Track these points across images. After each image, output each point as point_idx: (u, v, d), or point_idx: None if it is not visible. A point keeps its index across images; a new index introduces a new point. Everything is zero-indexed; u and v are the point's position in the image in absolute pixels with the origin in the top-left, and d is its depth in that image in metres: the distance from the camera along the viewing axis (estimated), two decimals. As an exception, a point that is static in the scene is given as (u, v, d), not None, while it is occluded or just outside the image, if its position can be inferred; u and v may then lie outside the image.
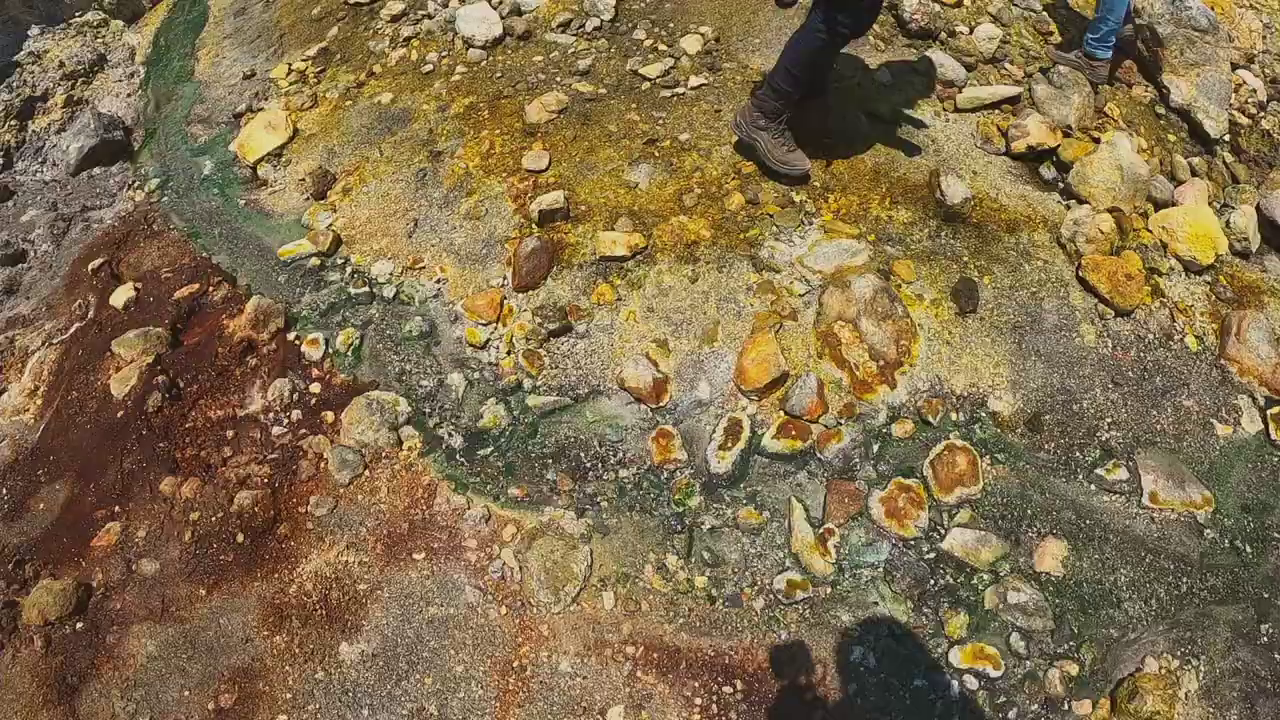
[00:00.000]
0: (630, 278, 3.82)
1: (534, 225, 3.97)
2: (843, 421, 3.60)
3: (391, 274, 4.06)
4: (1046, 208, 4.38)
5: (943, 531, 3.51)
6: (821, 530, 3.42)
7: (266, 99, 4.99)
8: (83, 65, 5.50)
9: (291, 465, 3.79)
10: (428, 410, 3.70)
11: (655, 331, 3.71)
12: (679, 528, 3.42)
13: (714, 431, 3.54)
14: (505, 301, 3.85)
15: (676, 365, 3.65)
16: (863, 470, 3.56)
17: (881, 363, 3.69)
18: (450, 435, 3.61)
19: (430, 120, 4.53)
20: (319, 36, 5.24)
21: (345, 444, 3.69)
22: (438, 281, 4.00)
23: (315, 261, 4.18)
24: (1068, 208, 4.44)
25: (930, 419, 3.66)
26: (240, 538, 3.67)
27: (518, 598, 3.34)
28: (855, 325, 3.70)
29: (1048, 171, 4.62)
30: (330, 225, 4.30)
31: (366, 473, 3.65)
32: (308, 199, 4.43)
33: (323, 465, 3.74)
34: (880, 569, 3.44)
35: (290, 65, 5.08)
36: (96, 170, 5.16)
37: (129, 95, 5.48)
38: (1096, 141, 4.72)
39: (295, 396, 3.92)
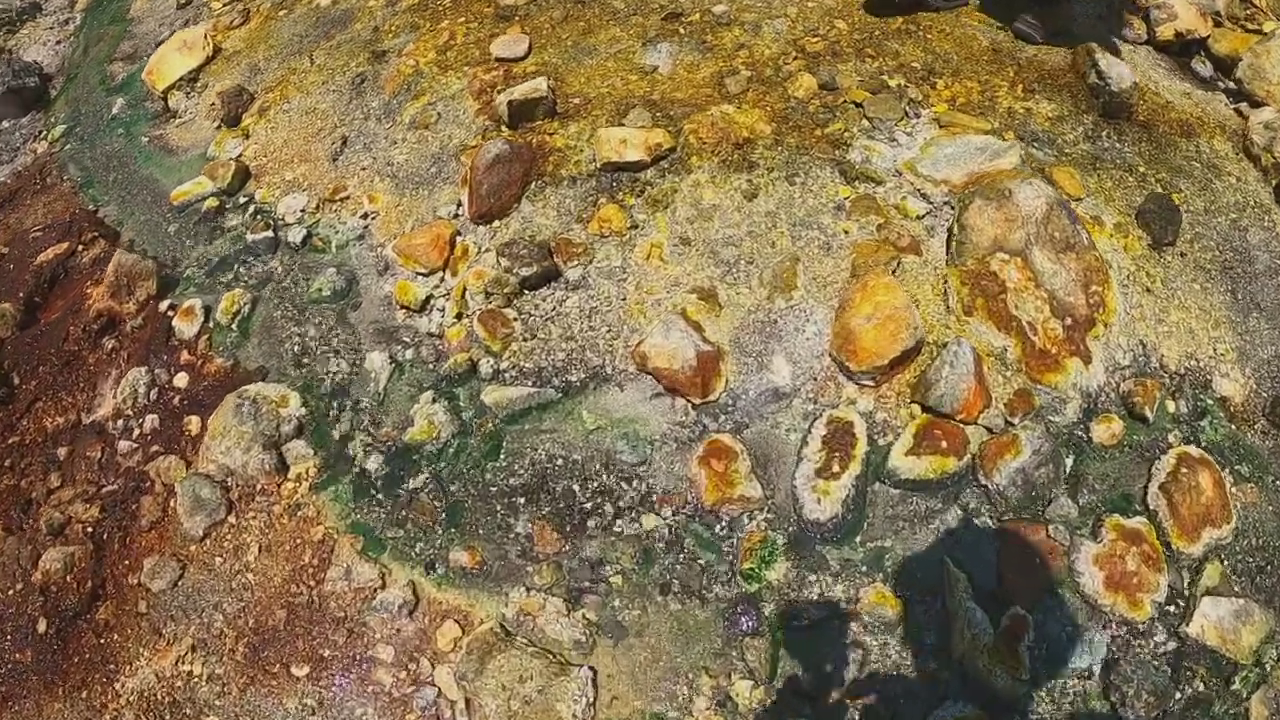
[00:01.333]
0: (651, 194, 1.82)
1: (502, 127, 1.93)
2: (1016, 421, 1.60)
3: (304, 210, 2.08)
4: (1217, 110, 2.36)
5: (1185, 605, 1.57)
6: (1006, 623, 1.39)
7: (196, 25, 2.97)
8: (10, 13, 3.52)
9: (130, 504, 1.83)
10: (331, 414, 1.71)
11: (695, 275, 1.71)
12: (751, 625, 1.42)
13: (804, 446, 1.54)
14: (457, 239, 1.84)
15: (733, 330, 1.65)
16: (1056, 504, 1.63)
17: (1068, 321, 1.69)
18: (363, 454, 1.62)
19: (376, 17, 2.55)
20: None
21: (204, 470, 1.69)
22: (364, 216, 2.00)
23: (213, 203, 2.21)
24: (1239, 112, 2.35)
25: (1144, 411, 1.69)
26: (42, 625, 1.74)
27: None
28: (1025, 259, 1.67)
29: (1202, 67, 2.52)
30: (239, 155, 2.28)
31: (231, 519, 1.69)
32: (218, 127, 2.42)
33: (171, 505, 1.74)
34: (1094, 678, 1.51)
35: (226, -18, 3.05)
36: (4, 124, 3.16)
37: (58, 43, 3.53)
38: (1254, 32, 2.62)
39: (153, 394, 1.94)
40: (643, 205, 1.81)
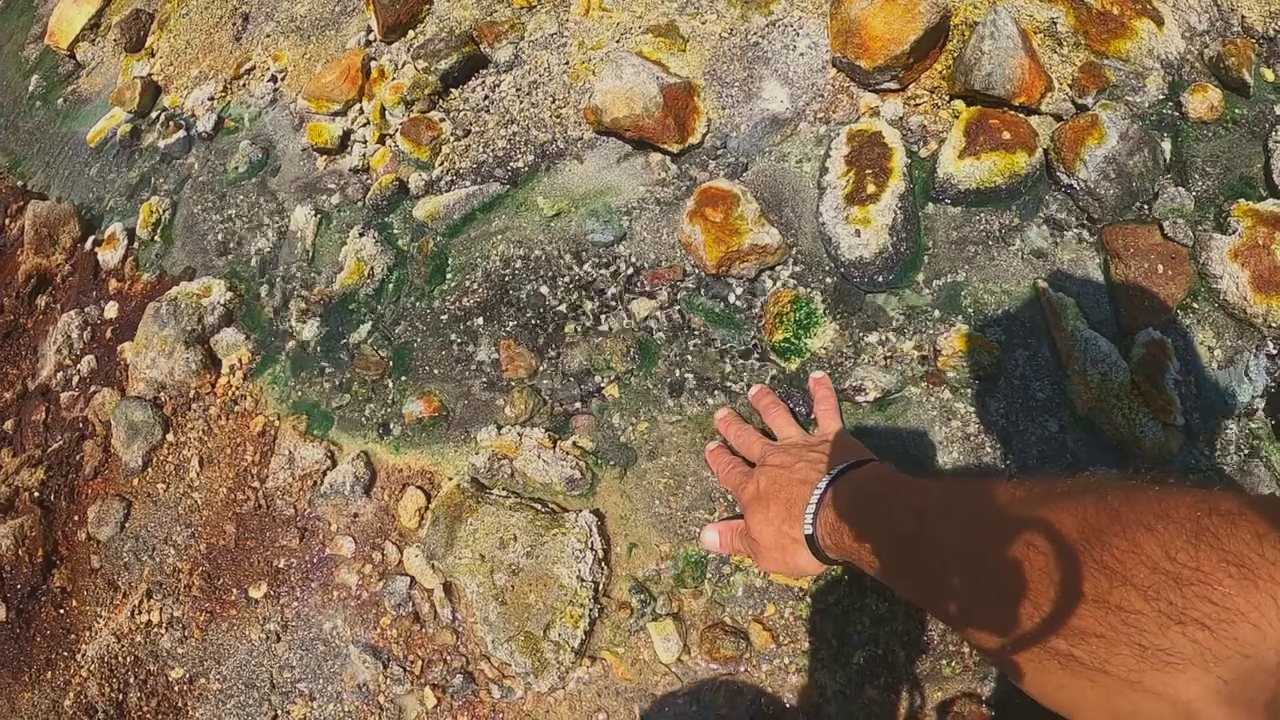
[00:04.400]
0: (583, -65, 1.40)
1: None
2: (1090, 101, 1.10)
3: (212, 98, 1.77)
4: None
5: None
6: (1143, 352, 0.96)
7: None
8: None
9: (74, 455, 1.56)
10: (262, 292, 1.39)
11: (646, 17, 1.34)
12: (801, 411, 1.00)
13: (824, 173, 1.10)
14: (371, 65, 1.48)
15: (704, 62, 1.24)
16: (1165, 197, 1.15)
17: (1143, -38, 1.18)
18: (298, 324, 1.29)
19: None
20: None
21: (135, 393, 1.41)
22: (272, 79, 1.70)
23: (126, 129, 1.94)
24: None
25: (1242, 74, 1.21)
26: (2, 612, 1.48)
27: (454, 666, 0.99)
28: None
29: None
30: (147, 74, 2.00)
31: (169, 437, 1.40)
32: (123, 57, 2.15)
33: (111, 443, 1.47)
34: (1257, 414, 1.06)
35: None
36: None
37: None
38: None
39: (87, 335, 1.68)
40: (575, -48, 1.43)
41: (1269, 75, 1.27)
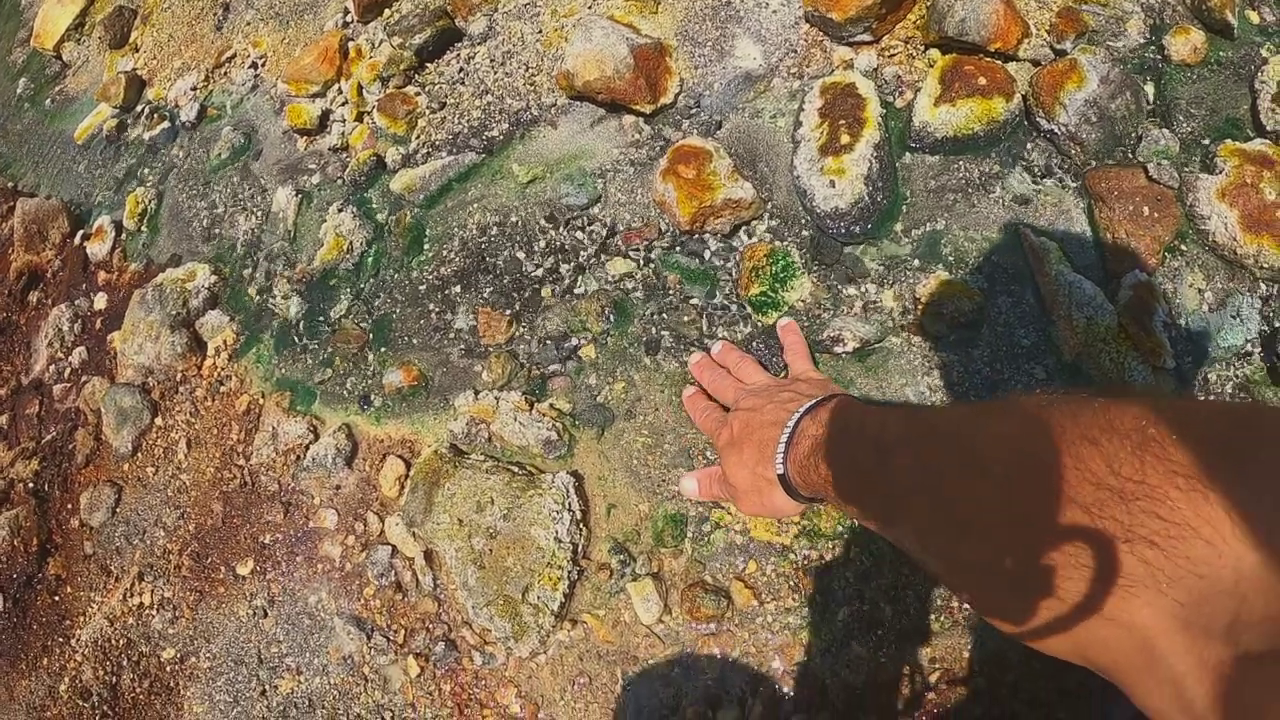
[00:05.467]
0: (555, -97, 1.39)
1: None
2: (1070, 45, 1.08)
3: (194, 88, 1.77)
4: None
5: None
6: (1130, 295, 0.94)
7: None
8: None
9: (67, 444, 1.57)
10: (246, 273, 1.39)
11: None
12: (780, 363, 0.99)
13: (798, 127, 1.08)
14: (348, 45, 1.48)
15: (676, 24, 1.23)
16: (1148, 140, 1.13)
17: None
18: (282, 302, 1.29)
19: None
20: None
21: (124, 380, 1.42)
22: (252, 66, 1.71)
23: (112, 124, 1.97)
24: None
25: (1225, 16, 1.20)
26: (0, 602, 1.49)
27: (436, 634, 0.99)
28: None
29: None
30: (131, 69, 2.02)
31: (158, 421, 1.41)
32: (108, 54, 2.17)
33: (102, 431, 1.48)
34: (1252, 356, 1.05)
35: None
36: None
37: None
38: None
39: (77, 327, 1.70)
40: (547, -79, 1.42)
41: (1254, 18, 1.25)
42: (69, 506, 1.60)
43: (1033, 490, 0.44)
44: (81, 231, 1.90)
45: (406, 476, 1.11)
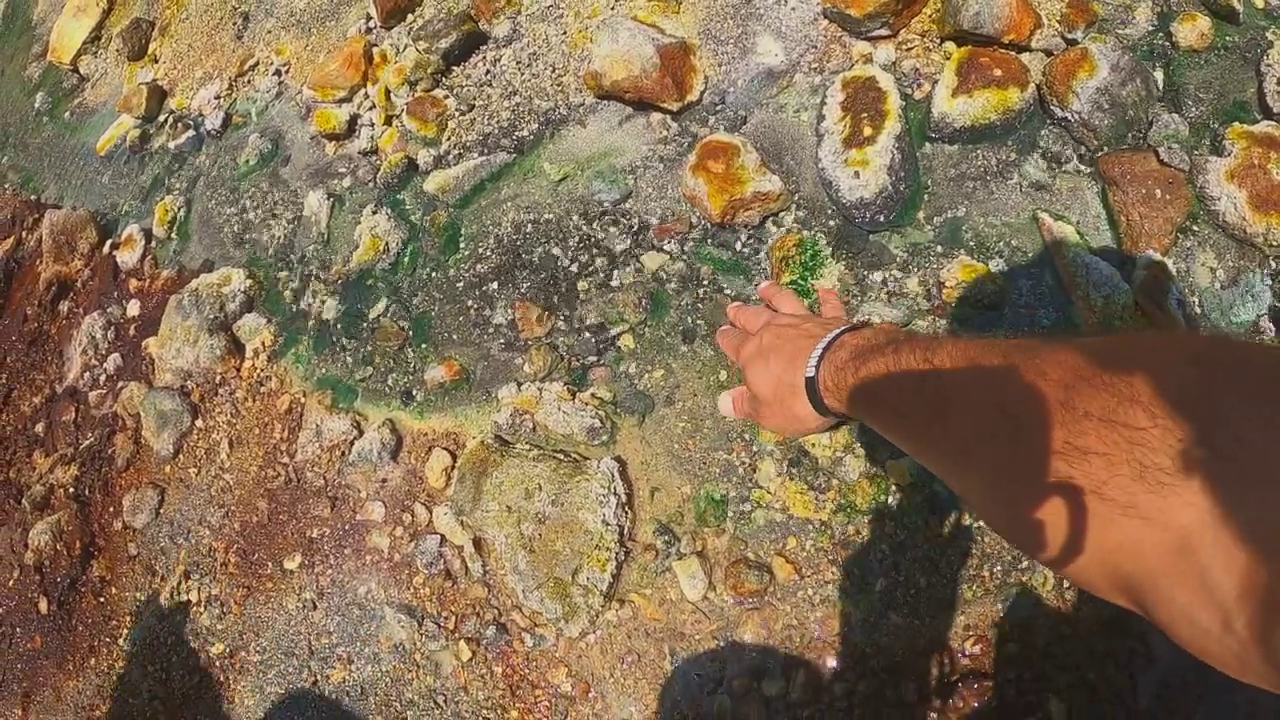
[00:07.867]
0: (575, -92, 1.44)
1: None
2: (1081, 34, 1.13)
3: (218, 96, 1.83)
4: None
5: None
6: (1144, 275, 0.99)
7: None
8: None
9: (106, 449, 1.62)
10: (281, 276, 1.44)
11: None
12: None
13: (821, 121, 1.13)
14: (373, 51, 1.53)
15: (698, 23, 1.28)
16: (1159, 125, 1.19)
17: None
18: (318, 304, 1.35)
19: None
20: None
21: (163, 384, 1.47)
22: (276, 73, 1.76)
23: (135, 134, 2.02)
24: None
25: (1230, 2, 1.22)
26: (44, 605, 1.57)
27: (486, 618, 1.04)
28: None
29: None
30: (152, 80, 2.07)
31: (198, 423, 1.45)
32: (127, 66, 2.22)
33: (141, 434, 1.53)
34: (1264, 334, 1.12)
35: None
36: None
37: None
38: None
39: (111, 334, 1.75)
40: (568, -75, 1.47)
41: (1259, 2, 1.30)
42: (111, 509, 1.65)
43: (1098, 390, 0.47)
44: (110, 241, 1.95)
45: (452, 468, 1.17)
